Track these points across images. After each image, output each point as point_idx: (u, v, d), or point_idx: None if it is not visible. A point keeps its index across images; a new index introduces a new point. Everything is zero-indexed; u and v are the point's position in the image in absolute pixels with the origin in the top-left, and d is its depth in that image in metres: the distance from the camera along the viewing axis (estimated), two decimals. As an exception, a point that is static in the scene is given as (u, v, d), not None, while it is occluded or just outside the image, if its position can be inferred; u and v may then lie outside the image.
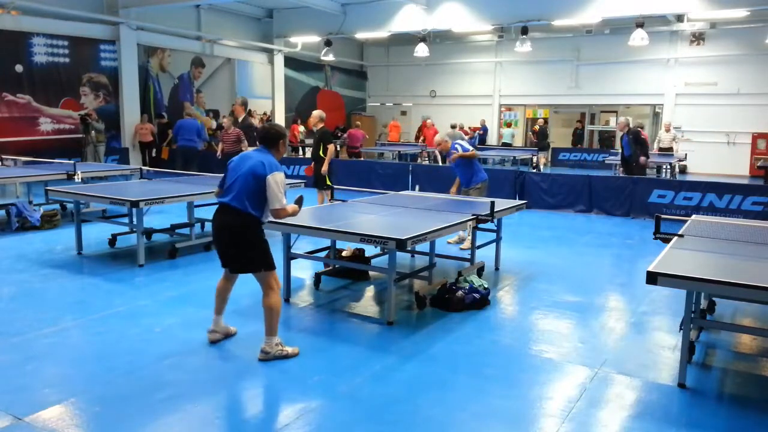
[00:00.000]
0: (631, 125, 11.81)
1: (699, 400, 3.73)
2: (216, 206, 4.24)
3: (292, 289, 5.47)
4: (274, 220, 4.45)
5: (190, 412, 3.41)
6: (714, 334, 4.84)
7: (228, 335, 4.49)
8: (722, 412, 3.60)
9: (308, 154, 16.62)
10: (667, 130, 16.69)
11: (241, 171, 4.10)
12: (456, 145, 7.92)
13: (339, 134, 19.64)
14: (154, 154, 15.49)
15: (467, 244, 6.94)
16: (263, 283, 4.16)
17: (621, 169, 12.56)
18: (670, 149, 16.29)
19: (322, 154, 8.71)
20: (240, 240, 4.09)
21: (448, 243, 7.90)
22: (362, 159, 17.46)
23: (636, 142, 11.57)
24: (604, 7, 14.25)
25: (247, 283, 5.82)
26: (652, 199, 10.54)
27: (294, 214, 4.27)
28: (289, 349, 4.19)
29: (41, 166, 9.95)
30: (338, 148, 19.52)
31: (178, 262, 6.77)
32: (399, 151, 18.80)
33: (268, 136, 4.24)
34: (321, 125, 8.84)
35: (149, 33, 16.02)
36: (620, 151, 12.23)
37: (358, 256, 6.29)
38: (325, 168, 8.69)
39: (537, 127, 21.57)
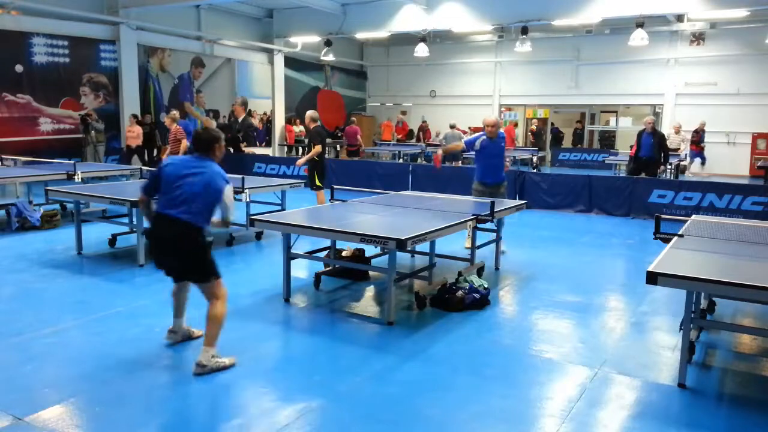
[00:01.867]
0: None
1: (699, 400, 3.73)
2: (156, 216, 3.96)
3: (292, 289, 5.47)
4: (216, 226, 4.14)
5: (189, 411, 3.41)
6: (714, 334, 4.84)
7: (190, 338, 4.35)
8: (722, 412, 3.60)
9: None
10: (677, 132, 16.68)
11: (187, 181, 3.85)
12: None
13: (339, 135, 19.60)
14: (146, 158, 14.52)
15: (469, 242, 6.68)
16: (209, 293, 3.94)
17: (624, 166, 12.41)
18: (677, 150, 16.27)
19: (316, 157, 8.79)
20: (190, 253, 3.90)
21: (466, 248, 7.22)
22: (357, 159, 17.30)
23: (661, 146, 11.34)
24: (604, 7, 14.24)
25: (245, 284, 5.86)
26: (652, 199, 10.54)
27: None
28: (227, 360, 3.94)
29: (41, 166, 9.93)
30: (338, 149, 19.52)
31: (178, 262, 6.76)
32: (399, 151, 18.79)
33: (202, 141, 3.99)
34: (313, 125, 8.92)
35: (149, 33, 16.01)
36: (633, 149, 11.51)
37: (358, 256, 6.29)
38: (300, 162, 9.38)
39: (534, 128, 21.62)
